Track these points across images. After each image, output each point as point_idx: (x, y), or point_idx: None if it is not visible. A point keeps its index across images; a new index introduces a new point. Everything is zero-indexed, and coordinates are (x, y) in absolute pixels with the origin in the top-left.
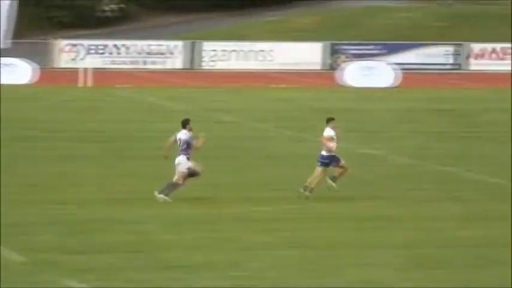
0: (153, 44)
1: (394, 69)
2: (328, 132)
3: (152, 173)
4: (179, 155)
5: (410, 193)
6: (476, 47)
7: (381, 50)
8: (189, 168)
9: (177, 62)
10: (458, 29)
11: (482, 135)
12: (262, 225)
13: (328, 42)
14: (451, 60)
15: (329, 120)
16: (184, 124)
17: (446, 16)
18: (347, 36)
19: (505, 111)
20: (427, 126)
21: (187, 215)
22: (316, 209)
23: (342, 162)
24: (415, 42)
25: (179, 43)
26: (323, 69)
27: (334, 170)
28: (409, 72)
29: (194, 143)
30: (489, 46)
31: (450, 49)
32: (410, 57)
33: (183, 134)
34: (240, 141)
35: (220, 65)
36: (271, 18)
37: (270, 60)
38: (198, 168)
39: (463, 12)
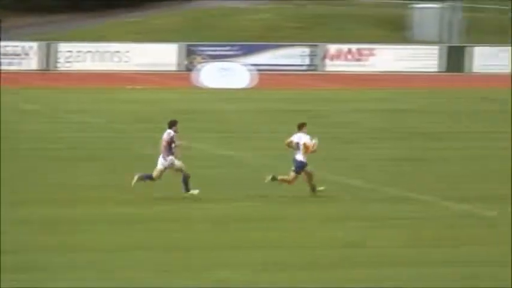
0: (9, 45)
1: (250, 70)
2: (305, 138)
3: (6, 175)
4: (165, 155)
5: (270, 194)
6: (332, 48)
7: (237, 51)
8: (163, 166)
9: (32, 63)
10: (313, 30)
11: (339, 136)
12: (121, 226)
13: (183, 43)
14: (307, 61)
15: (301, 125)
16: (171, 125)
17: (301, 17)
18: (204, 37)
19: (360, 112)
20: (284, 127)
21: (50, 215)
22: (178, 210)
23: (301, 174)
24: (271, 43)
25: (34, 44)
26: (179, 70)
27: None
28: (265, 73)
29: (166, 140)
30: (345, 47)
31: (306, 50)
32: (267, 58)
33: (168, 134)
34: (96, 142)
35: (76, 66)
36: (130, 19)
37: (125, 62)
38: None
39: (319, 13)
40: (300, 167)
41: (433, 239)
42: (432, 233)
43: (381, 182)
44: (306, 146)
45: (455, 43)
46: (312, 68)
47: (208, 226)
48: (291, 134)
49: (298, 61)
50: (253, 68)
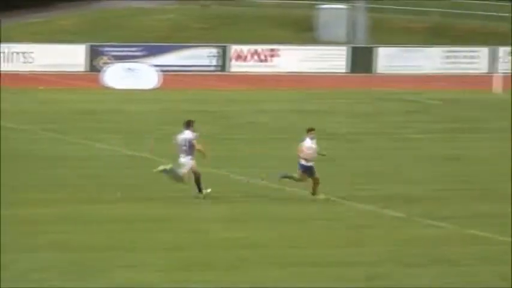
0: None
1: (157, 71)
2: (308, 143)
3: None
4: (183, 155)
5: (177, 194)
6: (239, 48)
7: (142, 51)
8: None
9: None
10: (220, 30)
11: (244, 137)
12: (27, 227)
13: (89, 44)
14: (214, 62)
15: (309, 130)
16: (188, 125)
17: (208, 18)
18: (109, 37)
19: (266, 113)
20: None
21: None
22: (83, 211)
23: (316, 174)
24: (177, 44)
25: None
26: (85, 71)
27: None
28: (171, 74)
29: (195, 142)
30: (252, 48)
31: (213, 51)
32: (173, 59)
33: (188, 134)
34: (4, 143)
35: None
36: (34, 19)
37: (31, 62)
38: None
39: (225, 14)
40: (304, 170)
41: (338, 239)
42: (337, 233)
43: (287, 182)
44: (299, 150)
45: (362, 44)
46: (218, 68)
47: (117, 226)
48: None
49: (204, 62)
50: (159, 68)
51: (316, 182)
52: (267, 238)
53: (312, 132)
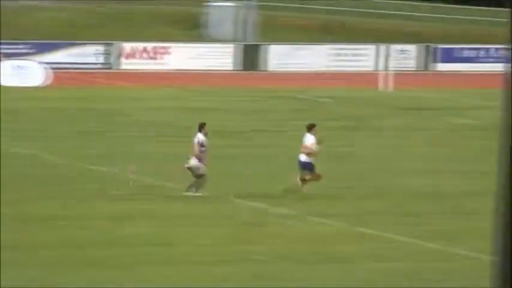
0: None
1: (45, 68)
2: (310, 139)
3: None
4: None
5: (67, 193)
6: (128, 46)
7: (31, 49)
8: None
9: None
10: (110, 28)
11: (134, 135)
12: None
13: None
14: (101, 60)
15: (310, 127)
16: (200, 128)
17: (98, 15)
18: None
19: (154, 110)
20: (79, 126)
21: None
22: None
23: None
24: (66, 41)
25: None
26: None
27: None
28: (60, 72)
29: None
30: (140, 45)
31: (100, 48)
32: (61, 56)
33: (200, 137)
34: None
35: None
36: None
37: None
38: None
39: (116, 11)
40: (305, 167)
41: (228, 237)
42: (228, 231)
43: (180, 180)
44: (303, 146)
45: (251, 41)
46: (107, 66)
47: (12, 226)
48: (85, 133)
49: (92, 59)
50: (48, 66)
51: (318, 178)
52: (154, 236)
53: (314, 128)
